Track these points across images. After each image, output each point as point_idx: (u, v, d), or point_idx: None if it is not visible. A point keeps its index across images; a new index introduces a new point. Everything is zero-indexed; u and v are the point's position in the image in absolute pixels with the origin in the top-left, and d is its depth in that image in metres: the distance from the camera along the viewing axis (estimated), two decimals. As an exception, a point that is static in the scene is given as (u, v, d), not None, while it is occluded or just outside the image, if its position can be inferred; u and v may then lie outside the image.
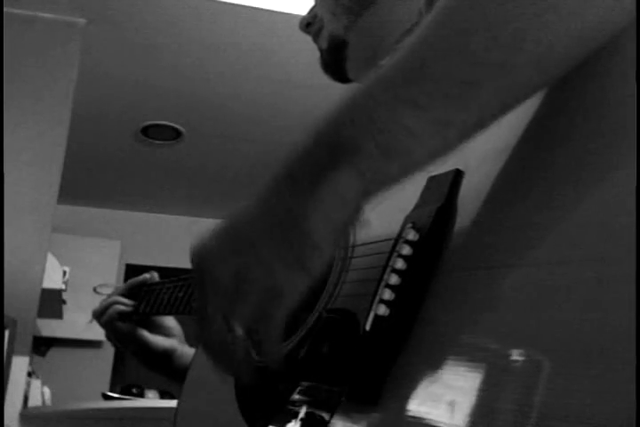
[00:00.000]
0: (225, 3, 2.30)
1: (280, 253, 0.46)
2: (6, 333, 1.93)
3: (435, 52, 0.43)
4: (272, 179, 0.48)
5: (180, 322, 1.04)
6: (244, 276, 0.47)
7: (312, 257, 0.46)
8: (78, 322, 3.53)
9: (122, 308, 1.00)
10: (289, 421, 0.54)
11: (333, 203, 0.45)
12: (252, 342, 0.51)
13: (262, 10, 2.32)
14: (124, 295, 1.02)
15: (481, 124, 0.44)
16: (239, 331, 0.50)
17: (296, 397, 0.56)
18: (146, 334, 1.00)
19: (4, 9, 2.13)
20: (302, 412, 0.54)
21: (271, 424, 0.57)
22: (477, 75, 0.41)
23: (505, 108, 0.43)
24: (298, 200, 0.45)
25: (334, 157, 0.44)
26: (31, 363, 2.25)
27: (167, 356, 0.99)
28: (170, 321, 1.03)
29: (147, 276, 1.03)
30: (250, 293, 0.48)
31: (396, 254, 0.50)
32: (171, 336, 1.01)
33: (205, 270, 0.50)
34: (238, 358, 0.52)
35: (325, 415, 0.51)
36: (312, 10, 0.87)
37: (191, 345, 0.99)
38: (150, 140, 3.28)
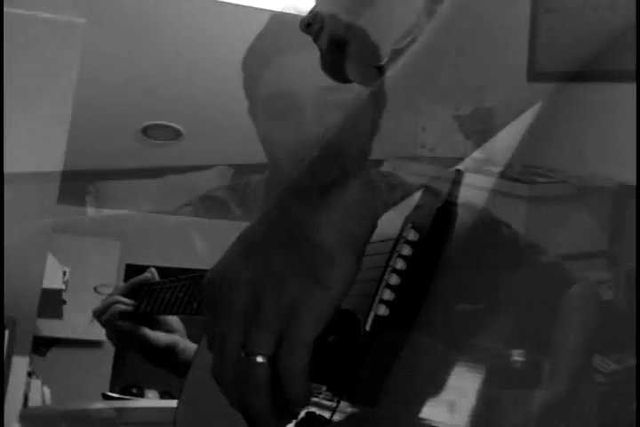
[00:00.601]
0: (225, 3, 2.29)
1: (291, 264, 0.44)
2: (6, 333, 1.93)
3: (437, 57, 0.43)
4: (279, 196, 0.47)
5: (182, 320, 1.04)
6: (258, 294, 0.44)
7: (326, 268, 0.44)
8: (78, 322, 3.52)
9: (122, 307, 1.00)
10: (289, 421, 0.54)
11: (344, 210, 0.44)
12: (273, 372, 0.45)
13: (263, 10, 2.32)
14: (124, 295, 1.02)
15: (484, 126, 0.44)
16: (259, 359, 0.44)
17: (296, 397, 0.56)
18: (147, 331, 1.00)
19: (4, 9, 2.13)
20: (303, 412, 0.54)
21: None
22: (483, 80, 0.41)
23: (509, 110, 0.44)
24: (306, 211, 0.44)
25: (339, 165, 0.44)
26: (31, 363, 2.25)
27: (170, 351, 0.99)
28: (170, 316, 1.03)
29: (147, 275, 1.04)
30: (266, 313, 0.44)
31: (396, 255, 0.50)
32: (172, 332, 1.01)
33: (218, 295, 0.46)
34: (257, 392, 0.45)
35: (325, 415, 0.51)
36: (312, 10, 0.87)
37: (193, 341, 0.99)
38: (150, 141, 3.28)
